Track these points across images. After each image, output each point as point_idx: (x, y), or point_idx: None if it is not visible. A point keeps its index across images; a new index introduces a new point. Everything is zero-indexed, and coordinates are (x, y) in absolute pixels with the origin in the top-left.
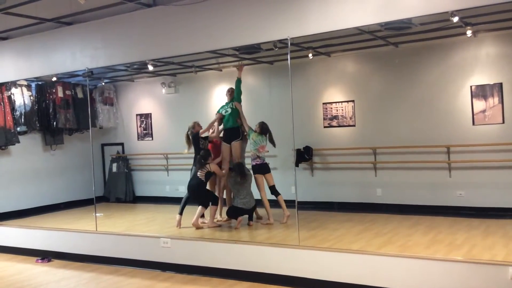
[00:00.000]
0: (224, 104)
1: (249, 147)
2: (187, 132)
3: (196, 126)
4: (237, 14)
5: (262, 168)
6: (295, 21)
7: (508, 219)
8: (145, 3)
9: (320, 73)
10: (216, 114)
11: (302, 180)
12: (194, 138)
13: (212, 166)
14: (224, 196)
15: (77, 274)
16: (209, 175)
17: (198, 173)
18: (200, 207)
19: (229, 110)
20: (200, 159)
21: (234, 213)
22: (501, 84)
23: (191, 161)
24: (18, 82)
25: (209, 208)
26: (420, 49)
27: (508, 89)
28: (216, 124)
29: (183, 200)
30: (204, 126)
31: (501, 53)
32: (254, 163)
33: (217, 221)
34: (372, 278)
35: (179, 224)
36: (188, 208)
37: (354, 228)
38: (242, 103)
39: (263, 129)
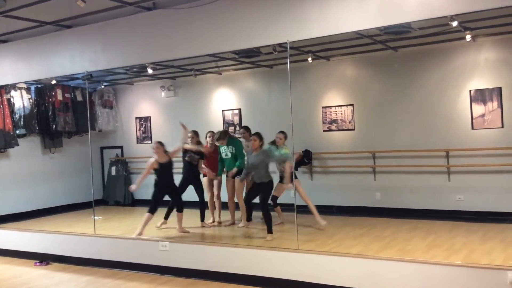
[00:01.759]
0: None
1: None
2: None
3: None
4: (236, 18)
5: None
6: (295, 25)
7: (507, 224)
8: (145, 7)
9: (319, 77)
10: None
11: (301, 183)
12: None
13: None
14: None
15: (75, 278)
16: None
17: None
18: (177, 213)
19: (229, 155)
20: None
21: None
22: (500, 88)
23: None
24: (17, 85)
25: (178, 214)
26: (419, 54)
27: (507, 93)
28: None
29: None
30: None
31: (500, 57)
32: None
33: (210, 223)
34: (371, 282)
35: (161, 225)
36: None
37: (353, 232)
38: (242, 108)
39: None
